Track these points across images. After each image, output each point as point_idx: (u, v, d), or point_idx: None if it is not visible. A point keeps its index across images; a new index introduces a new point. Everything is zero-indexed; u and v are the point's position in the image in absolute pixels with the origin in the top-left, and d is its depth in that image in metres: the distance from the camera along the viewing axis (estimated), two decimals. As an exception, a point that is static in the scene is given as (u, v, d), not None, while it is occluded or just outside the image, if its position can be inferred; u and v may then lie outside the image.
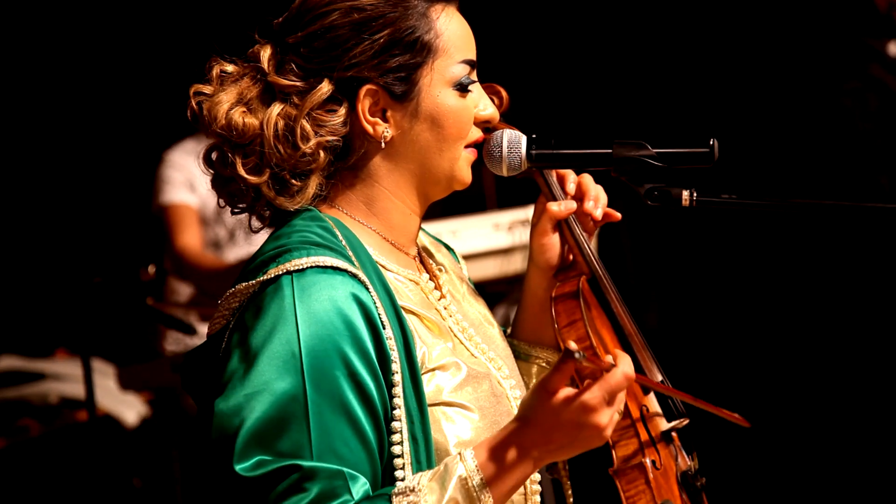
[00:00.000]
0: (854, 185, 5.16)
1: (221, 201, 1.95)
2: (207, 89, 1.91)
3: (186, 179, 4.45)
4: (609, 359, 1.77)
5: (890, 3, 5.31)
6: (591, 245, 2.10)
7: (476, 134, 1.96)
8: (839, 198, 1.98)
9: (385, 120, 1.90)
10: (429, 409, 1.84)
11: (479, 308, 2.10)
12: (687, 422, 2.09)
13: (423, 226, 2.07)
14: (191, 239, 4.41)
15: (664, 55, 5.93)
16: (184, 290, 4.54)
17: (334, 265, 1.80)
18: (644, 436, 2.01)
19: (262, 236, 1.97)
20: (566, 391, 1.73)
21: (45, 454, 4.91)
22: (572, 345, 1.68)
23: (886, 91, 5.19)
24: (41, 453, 4.91)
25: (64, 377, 5.08)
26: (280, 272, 1.81)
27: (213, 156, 1.93)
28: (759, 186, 5.56)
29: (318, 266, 1.80)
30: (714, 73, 5.84)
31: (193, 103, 1.91)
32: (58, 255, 5.65)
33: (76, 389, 4.91)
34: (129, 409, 5.00)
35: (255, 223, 1.96)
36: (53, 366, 5.18)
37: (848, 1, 5.32)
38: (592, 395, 1.73)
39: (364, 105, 1.89)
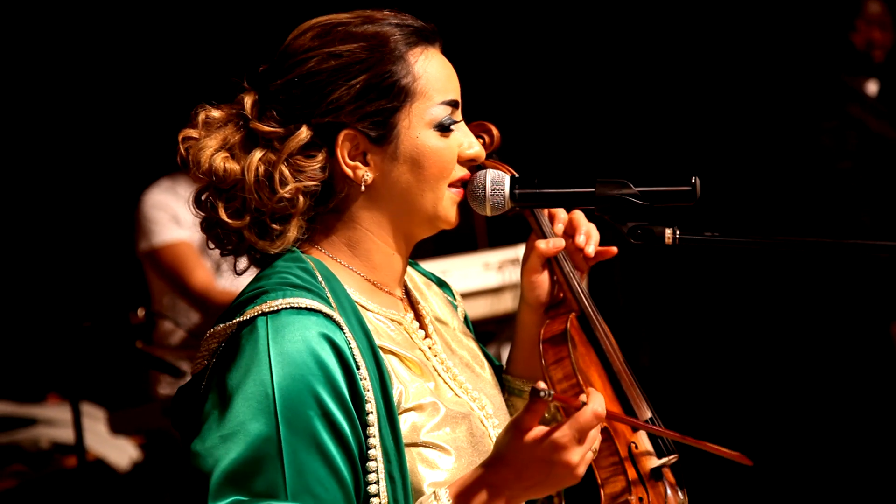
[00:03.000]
0: (836, 222, 5.18)
1: (210, 243, 1.96)
2: (195, 134, 1.93)
3: (171, 217, 4.45)
4: (583, 397, 1.77)
5: (868, 40, 5.35)
6: (582, 283, 2.11)
7: (461, 172, 1.96)
8: (821, 235, 1.98)
9: (366, 163, 1.91)
10: (405, 448, 1.84)
11: (469, 347, 2.10)
12: (676, 458, 2.08)
13: (417, 262, 2.08)
14: (204, 274, 4.40)
15: (647, 93, 5.97)
16: (174, 333, 4.53)
17: (309, 306, 1.81)
18: (632, 474, 2.01)
19: (249, 270, 1.98)
20: (537, 430, 1.74)
21: (38, 500, 4.88)
22: (541, 384, 1.71)
23: (865, 130, 5.22)
24: (33, 499, 4.88)
25: (55, 422, 5.06)
26: (255, 313, 1.82)
27: (203, 198, 1.94)
28: (743, 224, 5.58)
29: (292, 307, 1.81)
30: (695, 111, 5.88)
31: (182, 148, 1.93)
32: (47, 300, 5.64)
33: (68, 434, 4.88)
34: (121, 453, 4.97)
35: (241, 264, 1.97)
36: (45, 411, 5.16)
37: (826, 39, 5.36)
38: (562, 433, 1.74)
39: (343, 149, 1.90)
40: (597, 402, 1.76)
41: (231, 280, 4.44)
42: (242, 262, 1.97)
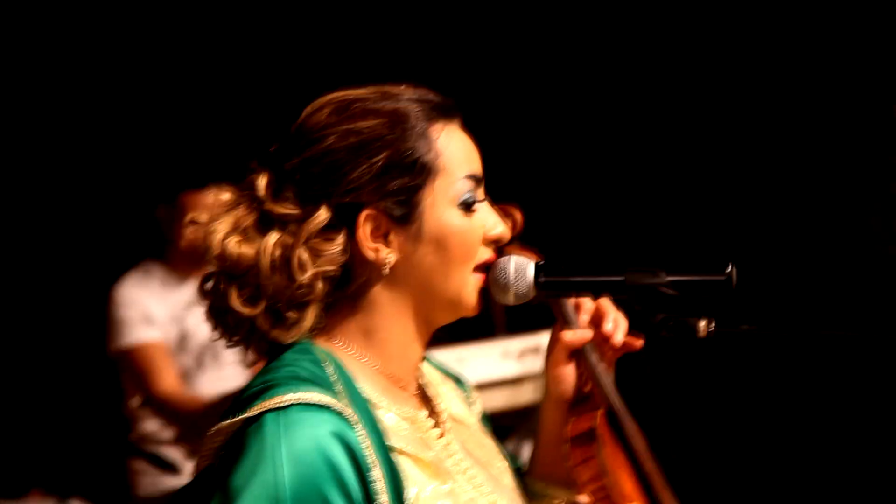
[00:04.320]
0: (886, 313, 5.15)
1: (216, 334, 1.98)
2: (203, 217, 1.96)
3: (142, 315, 4.52)
4: None
5: None
6: (609, 376, 2.13)
7: (486, 254, 1.99)
8: (871, 328, 2.00)
9: (388, 244, 1.94)
10: None
11: (487, 446, 2.12)
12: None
13: (433, 351, 2.10)
14: (169, 381, 4.45)
15: (681, 179, 5.99)
16: (168, 426, 4.56)
17: (319, 402, 1.82)
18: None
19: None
20: None
21: None
22: (582, 499, 1.70)
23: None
24: None
25: (37, 521, 5.04)
26: (262, 409, 1.82)
27: (208, 285, 1.96)
28: (784, 315, 5.57)
29: (301, 403, 1.82)
30: (733, 193, 5.89)
31: (189, 232, 1.96)
32: (35, 385, 5.66)
33: (50, 533, 4.86)
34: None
35: (250, 356, 1.99)
36: (26, 509, 5.14)
37: (868, 117, 5.37)
38: None
39: (365, 230, 1.93)
40: None
41: (216, 373, 4.48)
42: (250, 355, 1.98)
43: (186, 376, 4.54)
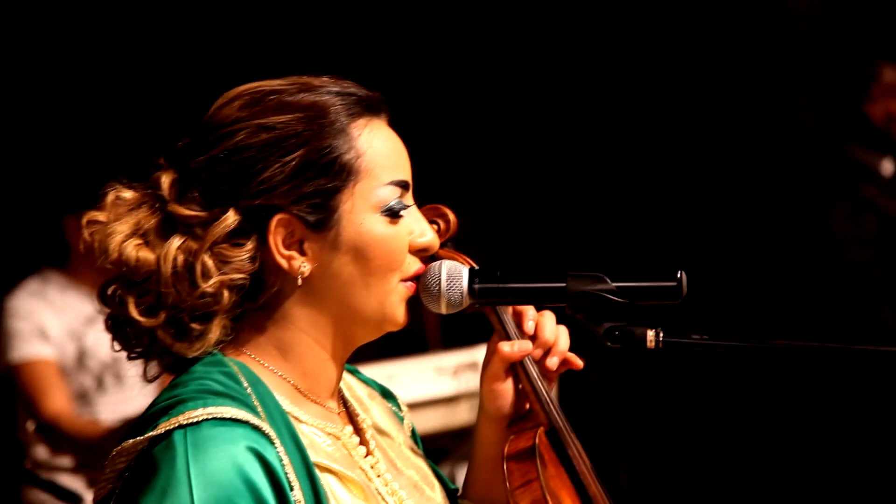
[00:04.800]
0: (851, 322, 5.19)
1: (116, 345, 1.95)
2: (102, 217, 1.92)
3: (36, 328, 4.48)
4: None
5: (888, 114, 5.30)
6: (551, 392, 2.11)
7: (414, 265, 1.97)
8: (836, 336, 2.01)
9: (302, 252, 1.91)
10: None
11: (417, 465, 2.10)
12: None
13: (360, 368, 2.07)
14: (58, 402, 4.41)
15: (627, 170, 6.02)
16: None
17: (234, 416, 1.80)
18: None
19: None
20: None
21: None
22: None
23: (881, 214, 5.19)
24: None
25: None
26: (171, 426, 1.80)
27: (109, 291, 1.93)
28: (738, 326, 5.60)
29: (215, 418, 1.79)
30: (683, 190, 5.92)
31: (86, 233, 1.92)
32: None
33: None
34: None
35: (152, 371, 1.95)
36: None
37: (837, 111, 5.39)
38: None
39: (276, 237, 1.90)
40: None
41: (118, 395, 4.44)
42: (153, 369, 1.95)
43: (85, 398, 4.50)
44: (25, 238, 5.15)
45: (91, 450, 4.24)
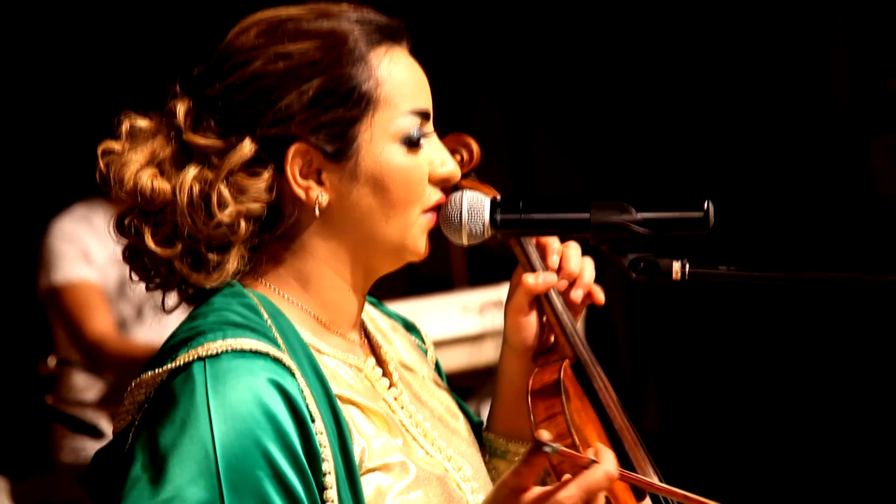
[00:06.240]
0: (881, 256, 5.18)
1: (135, 276, 1.95)
2: (117, 147, 1.92)
3: (80, 251, 4.46)
4: (590, 453, 1.78)
5: None
6: (576, 325, 2.11)
7: (435, 196, 1.97)
8: (866, 269, 1.99)
9: (320, 182, 1.91)
10: None
11: (441, 398, 2.11)
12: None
13: (385, 303, 2.07)
14: (103, 323, 4.41)
15: (656, 101, 6.00)
16: (92, 387, 4.52)
17: (254, 348, 1.81)
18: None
19: (176, 312, 1.98)
20: (536, 490, 1.74)
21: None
22: (544, 434, 1.70)
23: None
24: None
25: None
26: (191, 358, 1.80)
27: (126, 222, 1.93)
28: (767, 255, 5.58)
29: (234, 350, 1.80)
30: (713, 120, 5.90)
31: (101, 163, 1.92)
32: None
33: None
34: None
35: (170, 301, 1.96)
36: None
37: (874, 45, 5.36)
38: (568, 493, 1.74)
39: (294, 167, 1.89)
40: (608, 460, 1.77)
41: (157, 330, 4.44)
42: (172, 299, 1.96)
43: (124, 326, 4.50)
44: (73, 167, 5.15)
45: (126, 372, 4.25)
